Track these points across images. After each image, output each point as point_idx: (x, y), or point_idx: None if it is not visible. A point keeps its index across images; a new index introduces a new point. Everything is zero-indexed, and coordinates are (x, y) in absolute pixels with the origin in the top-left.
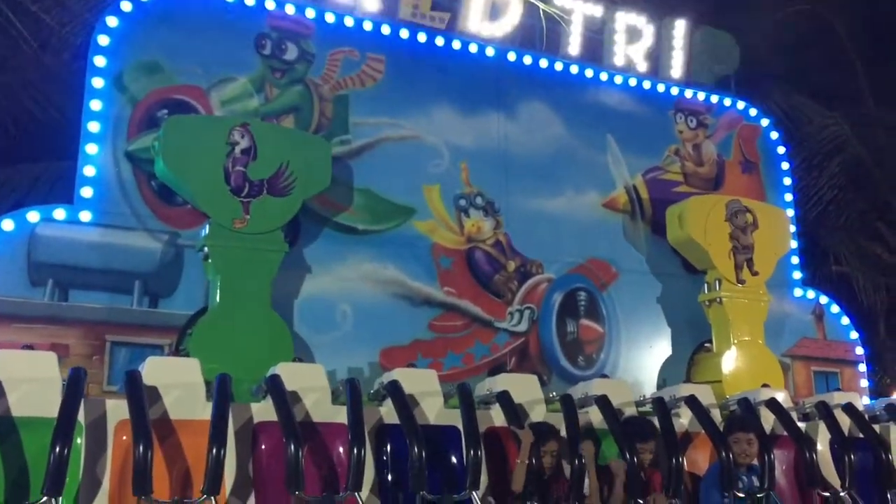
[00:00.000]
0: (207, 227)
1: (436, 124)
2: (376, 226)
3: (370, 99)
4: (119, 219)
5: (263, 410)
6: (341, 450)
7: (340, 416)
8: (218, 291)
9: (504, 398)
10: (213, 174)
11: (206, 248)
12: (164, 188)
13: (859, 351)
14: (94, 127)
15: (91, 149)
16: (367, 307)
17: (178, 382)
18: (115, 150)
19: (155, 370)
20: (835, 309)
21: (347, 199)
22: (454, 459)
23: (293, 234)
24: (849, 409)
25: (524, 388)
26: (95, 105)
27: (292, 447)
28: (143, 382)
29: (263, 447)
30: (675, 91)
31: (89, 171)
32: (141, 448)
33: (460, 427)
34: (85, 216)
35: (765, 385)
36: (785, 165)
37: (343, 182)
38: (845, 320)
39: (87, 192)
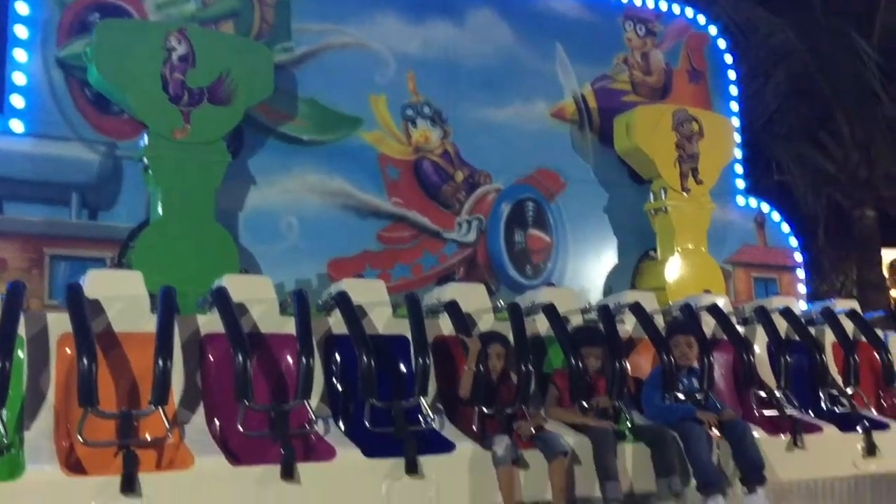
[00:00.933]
0: (146, 137)
1: (382, 32)
2: (322, 136)
3: (313, 4)
4: (53, 128)
5: (210, 322)
6: (290, 360)
7: (288, 326)
8: (160, 203)
9: (452, 307)
10: (150, 82)
11: (145, 159)
12: (99, 97)
13: (798, 257)
14: (21, 32)
15: (19, 55)
16: (313, 219)
17: (121, 295)
18: (45, 57)
19: (97, 283)
20: (776, 217)
21: (292, 108)
22: (403, 368)
23: (236, 144)
24: (786, 313)
25: (472, 297)
26: (22, 8)
27: (240, 357)
28: (85, 295)
29: (211, 358)
30: None
31: (19, 78)
32: (85, 360)
33: (409, 336)
34: (16, 126)
35: (706, 291)
36: (731, 74)
37: (287, 91)
38: (786, 228)
39: (17, 100)
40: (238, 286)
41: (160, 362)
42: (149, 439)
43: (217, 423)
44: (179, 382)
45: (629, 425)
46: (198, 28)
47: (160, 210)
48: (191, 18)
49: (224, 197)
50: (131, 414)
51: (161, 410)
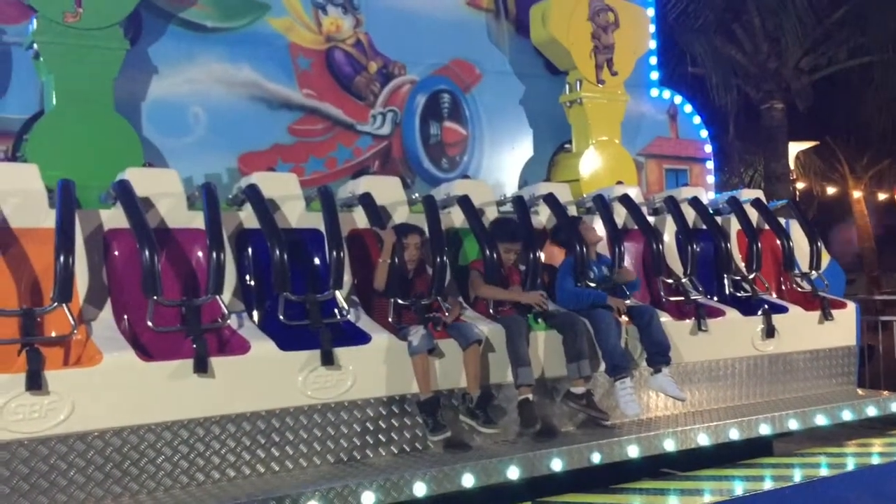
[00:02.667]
0: (35, 21)
1: None
2: (226, 23)
3: None
4: None
5: (114, 217)
6: (200, 255)
7: (197, 221)
8: (53, 93)
9: (366, 199)
10: None
11: (35, 46)
12: None
13: (708, 149)
14: None
15: None
16: (221, 110)
17: (17, 189)
18: None
19: None
20: (688, 109)
21: None
22: (317, 262)
23: (134, 30)
24: (694, 202)
25: (387, 190)
26: None
27: (147, 252)
28: None
29: (117, 253)
30: None
31: None
32: None
33: (323, 230)
34: None
35: (619, 182)
36: None
37: None
38: (697, 119)
39: None
40: (142, 180)
41: (61, 257)
42: (54, 336)
43: (126, 319)
44: (84, 279)
45: (541, 314)
46: None
47: (54, 100)
48: None
49: (124, 86)
50: (34, 311)
51: (65, 307)
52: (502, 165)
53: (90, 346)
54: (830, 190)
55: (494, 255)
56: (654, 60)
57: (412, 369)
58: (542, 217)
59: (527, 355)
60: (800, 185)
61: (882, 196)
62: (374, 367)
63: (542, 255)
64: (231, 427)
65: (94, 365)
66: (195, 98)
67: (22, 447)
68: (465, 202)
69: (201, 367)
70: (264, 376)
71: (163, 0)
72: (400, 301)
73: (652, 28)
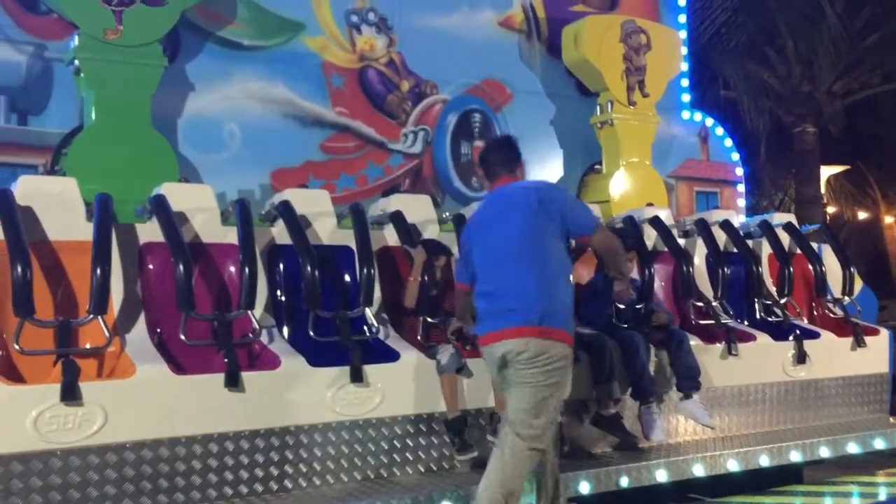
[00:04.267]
0: (77, 38)
1: None
2: (263, 41)
3: None
4: None
5: (149, 231)
6: (233, 269)
7: (231, 236)
8: (93, 108)
9: (397, 217)
10: None
11: (76, 62)
12: None
13: (739, 172)
14: None
15: None
16: (255, 127)
17: (56, 202)
18: None
19: (28, 189)
20: (719, 131)
21: (231, 11)
22: (348, 278)
23: (173, 47)
24: (725, 225)
25: (417, 208)
26: None
27: (182, 266)
28: (17, 202)
29: (151, 267)
30: None
31: None
32: (19, 268)
33: (353, 247)
34: None
35: (649, 204)
36: None
37: None
38: (728, 142)
39: None
40: (178, 195)
41: (98, 270)
42: (88, 347)
43: (159, 332)
44: (119, 292)
45: None
46: None
47: (93, 115)
48: None
49: (161, 103)
50: (69, 323)
51: (100, 319)
52: None
53: (124, 358)
54: (861, 215)
55: None
56: (685, 83)
57: (440, 388)
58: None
59: None
60: (830, 210)
61: None
62: (403, 384)
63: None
64: (260, 442)
65: (128, 377)
66: (230, 115)
67: (55, 458)
68: None
69: (232, 382)
70: (294, 391)
71: (201, 18)
72: (429, 319)
73: (684, 50)
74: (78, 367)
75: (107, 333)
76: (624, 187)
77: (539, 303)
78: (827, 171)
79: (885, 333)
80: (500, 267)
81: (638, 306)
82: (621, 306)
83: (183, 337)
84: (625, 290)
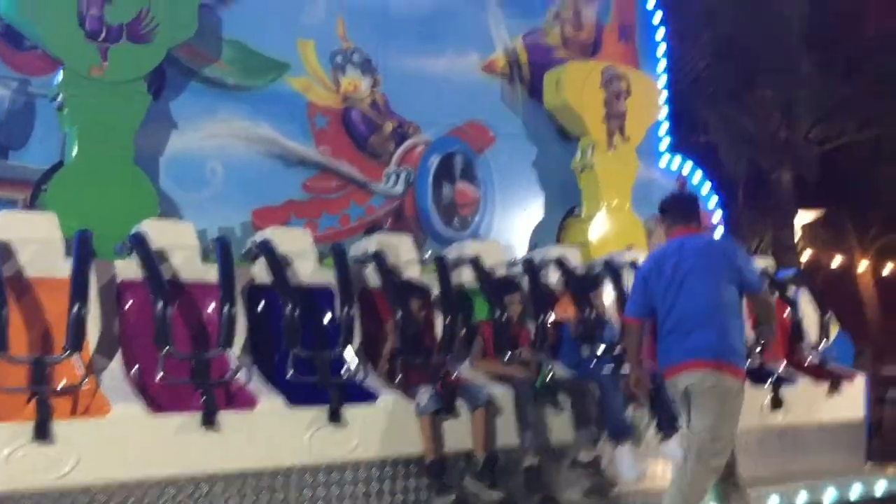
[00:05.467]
0: (61, 74)
1: None
2: (248, 81)
3: None
4: None
5: (128, 268)
6: (212, 308)
7: (211, 274)
8: (75, 144)
9: (379, 258)
10: (66, 16)
11: (60, 97)
12: (10, 30)
13: (717, 217)
14: None
15: None
16: (238, 165)
17: (34, 238)
18: None
19: (7, 224)
20: (698, 176)
21: (216, 50)
22: (328, 318)
23: (157, 85)
24: None
25: (399, 248)
26: None
27: (160, 304)
28: None
29: (129, 305)
30: None
31: None
32: None
33: (334, 287)
34: None
35: (629, 247)
36: (660, 34)
37: (211, 32)
38: (706, 187)
39: None
40: (158, 231)
41: (75, 307)
42: (63, 386)
43: (135, 370)
44: (96, 329)
45: (548, 377)
46: None
47: (75, 151)
48: None
49: (144, 140)
50: (44, 360)
51: (76, 356)
52: (513, 227)
53: (99, 396)
54: (838, 260)
55: (503, 317)
56: (665, 128)
57: (419, 429)
58: (552, 279)
59: (535, 419)
60: (806, 255)
61: (889, 268)
62: (381, 426)
63: (552, 316)
64: (237, 483)
65: (102, 416)
66: (213, 153)
67: (26, 499)
68: (476, 263)
69: (209, 421)
70: (271, 432)
71: (186, 57)
72: (409, 360)
73: (663, 96)
74: (51, 406)
75: (82, 371)
76: (603, 230)
77: (723, 342)
78: (803, 217)
79: (860, 379)
80: (690, 309)
81: (617, 348)
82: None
83: (160, 375)
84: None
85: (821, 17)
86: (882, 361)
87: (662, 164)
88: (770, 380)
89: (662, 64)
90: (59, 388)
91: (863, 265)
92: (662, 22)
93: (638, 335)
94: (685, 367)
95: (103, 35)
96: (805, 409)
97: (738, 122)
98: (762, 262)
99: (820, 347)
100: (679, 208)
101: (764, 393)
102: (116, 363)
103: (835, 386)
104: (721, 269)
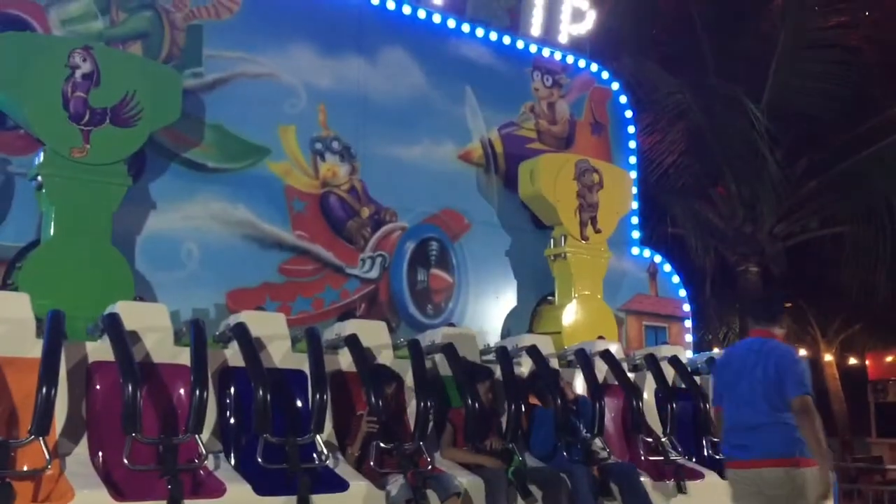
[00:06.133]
0: (42, 154)
1: (294, 63)
2: (228, 164)
3: (226, 31)
4: None
5: (100, 349)
6: (182, 392)
7: (183, 357)
8: (52, 224)
9: (352, 342)
10: (50, 98)
11: (39, 177)
12: None
13: (686, 308)
14: None
15: None
16: (214, 247)
17: (6, 317)
18: None
19: None
20: (667, 268)
21: (198, 134)
22: (300, 403)
23: (138, 167)
24: (674, 361)
25: (373, 333)
26: None
27: (130, 387)
28: None
29: (98, 387)
30: (533, 49)
31: None
32: None
33: (307, 371)
34: None
35: (600, 337)
36: (631, 129)
37: (194, 117)
38: (676, 279)
39: None
40: (132, 313)
41: (43, 390)
42: (26, 470)
43: (101, 455)
44: (63, 411)
45: (520, 466)
46: (104, 47)
47: (52, 231)
48: (97, 37)
49: (122, 220)
50: (8, 443)
51: (41, 441)
52: (486, 314)
53: (63, 482)
54: (802, 352)
55: (476, 405)
56: (635, 220)
57: None
58: (525, 368)
59: None
60: None
61: (852, 361)
62: None
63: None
64: None
65: (66, 502)
66: (190, 234)
67: None
68: (449, 350)
69: None
70: None
71: (167, 140)
72: (382, 444)
73: (634, 189)
74: (14, 492)
75: (47, 456)
76: (576, 319)
77: (775, 437)
78: None
79: (831, 476)
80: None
81: (587, 438)
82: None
83: (126, 461)
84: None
85: (784, 117)
86: (849, 454)
87: (633, 255)
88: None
89: (633, 159)
90: (22, 473)
91: (827, 357)
92: (633, 119)
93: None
94: (752, 464)
95: (87, 118)
96: None
97: (705, 216)
98: None
99: None
100: (759, 308)
101: None
102: (82, 447)
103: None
104: (774, 375)
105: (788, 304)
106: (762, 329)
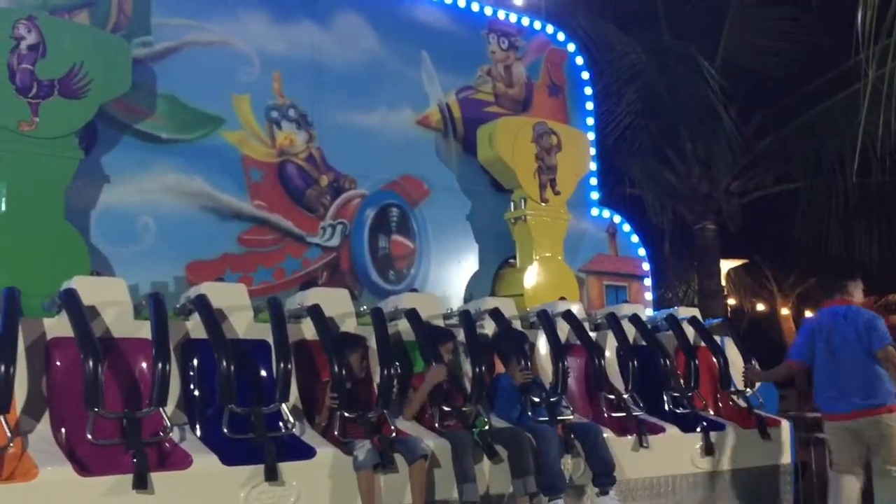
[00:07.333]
0: None
1: (246, 30)
2: (182, 135)
3: None
4: None
5: (58, 325)
6: (144, 365)
7: (144, 331)
8: (3, 199)
9: (315, 312)
10: None
11: None
12: None
13: (646, 266)
14: None
15: None
16: (171, 220)
17: None
18: None
19: None
20: (626, 228)
21: (150, 105)
22: (264, 373)
23: (89, 140)
24: (634, 319)
25: (335, 301)
26: None
27: (90, 362)
28: None
29: (58, 363)
30: (488, 11)
31: None
32: None
33: (270, 341)
34: None
35: (562, 298)
36: (588, 90)
37: (145, 87)
38: (635, 238)
39: None
40: (89, 288)
41: (2, 367)
42: None
43: (64, 431)
44: (23, 389)
45: (485, 428)
46: (49, 17)
47: (3, 206)
48: (41, 6)
49: (75, 195)
50: None
51: (2, 418)
52: (448, 279)
53: (26, 459)
54: (760, 307)
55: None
56: (594, 181)
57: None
58: (488, 331)
59: (472, 471)
60: (731, 302)
61: (808, 313)
62: (319, 482)
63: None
64: None
65: (30, 480)
66: (146, 207)
67: None
68: (413, 316)
69: (141, 483)
70: (206, 492)
71: (119, 111)
72: (346, 414)
73: (592, 151)
74: None
75: (8, 433)
76: (537, 281)
77: (871, 389)
78: (727, 265)
79: (786, 425)
80: (844, 365)
81: (552, 399)
82: (536, 400)
83: (90, 436)
84: None
85: (738, 75)
86: (806, 404)
87: (593, 215)
88: (701, 427)
89: (590, 120)
90: None
91: (784, 311)
92: (590, 80)
93: (787, 373)
94: (853, 415)
95: (34, 91)
96: (734, 455)
97: (662, 175)
98: (689, 311)
99: (747, 393)
100: (831, 281)
101: (695, 439)
102: (44, 424)
103: (762, 432)
104: (864, 334)
105: (746, 261)
106: (840, 298)
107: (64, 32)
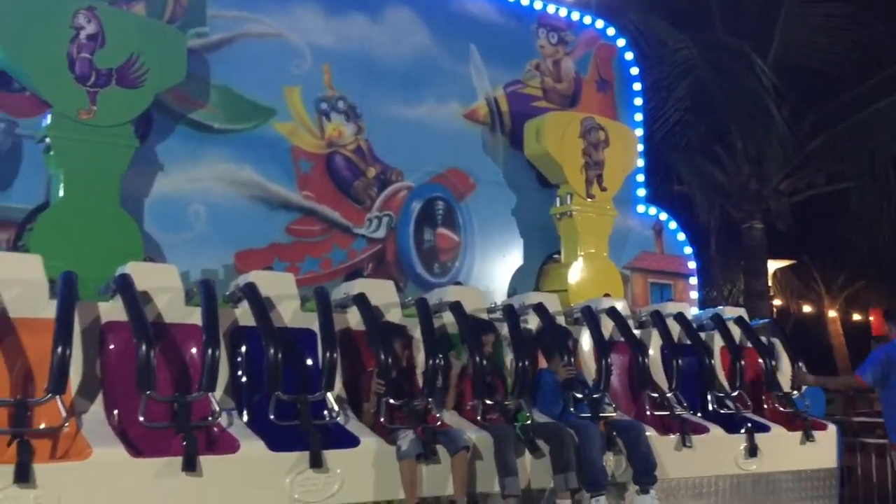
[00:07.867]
0: (49, 116)
1: (299, 23)
2: (234, 125)
3: None
4: None
5: (112, 310)
6: (194, 351)
7: (194, 317)
8: (61, 186)
9: (360, 300)
10: (56, 59)
11: (47, 140)
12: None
13: (692, 265)
14: None
15: None
16: (222, 208)
17: (18, 279)
18: None
19: None
20: (672, 225)
21: (204, 95)
22: (310, 361)
23: (144, 128)
24: (679, 318)
25: (381, 292)
26: None
27: (144, 347)
28: None
29: (112, 347)
30: (538, 6)
31: None
32: None
33: (316, 330)
34: None
35: (606, 295)
36: (637, 86)
37: (199, 77)
38: (681, 236)
39: None
40: (142, 274)
41: (59, 349)
42: (44, 428)
43: (117, 413)
44: (78, 371)
45: (527, 422)
46: (108, 7)
47: (61, 193)
48: None
49: (130, 182)
50: (26, 402)
51: (58, 399)
52: (492, 273)
53: (80, 439)
54: (807, 308)
55: (483, 362)
56: (641, 178)
57: (399, 474)
58: (532, 325)
59: (514, 465)
60: (777, 303)
61: (856, 317)
62: (363, 470)
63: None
64: None
65: (83, 459)
66: (197, 196)
67: None
68: (457, 308)
69: (190, 466)
70: (252, 476)
71: (174, 101)
72: (392, 401)
73: (640, 147)
74: (33, 448)
75: (64, 414)
76: (581, 277)
77: None
78: (774, 265)
79: (832, 429)
80: None
81: (595, 395)
82: (579, 396)
83: (141, 419)
84: None
85: (791, 73)
86: (853, 409)
87: (639, 212)
88: (744, 428)
89: (639, 116)
90: (40, 431)
91: (831, 313)
92: (639, 76)
93: (849, 384)
94: None
95: (93, 79)
96: (779, 458)
97: (711, 173)
98: (735, 311)
99: (793, 396)
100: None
101: (739, 440)
102: (98, 406)
103: (808, 435)
104: None
105: (793, 261)
106: None
107: (122, 22)
